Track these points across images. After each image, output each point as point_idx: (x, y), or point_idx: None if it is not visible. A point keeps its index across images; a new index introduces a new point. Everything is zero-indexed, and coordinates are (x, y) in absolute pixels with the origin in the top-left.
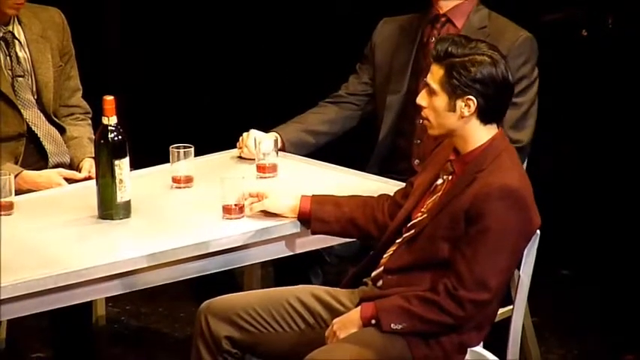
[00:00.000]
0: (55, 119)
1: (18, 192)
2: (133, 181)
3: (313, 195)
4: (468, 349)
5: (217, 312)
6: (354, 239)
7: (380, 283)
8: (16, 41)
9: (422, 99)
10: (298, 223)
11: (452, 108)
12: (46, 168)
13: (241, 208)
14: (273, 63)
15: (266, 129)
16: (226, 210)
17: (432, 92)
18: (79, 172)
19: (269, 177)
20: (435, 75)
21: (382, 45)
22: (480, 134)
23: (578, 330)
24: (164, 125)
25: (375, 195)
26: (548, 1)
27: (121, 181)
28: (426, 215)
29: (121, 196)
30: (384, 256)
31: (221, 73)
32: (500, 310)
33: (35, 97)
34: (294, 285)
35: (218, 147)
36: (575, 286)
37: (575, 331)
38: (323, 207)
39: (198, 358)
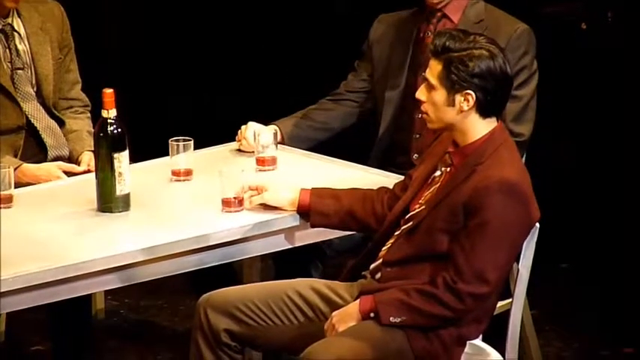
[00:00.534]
0: (55, 112)
1: (17, 185)
2: (132, 174)
3: (312, 188)
4: (467, 342)
5: (216, 305)
6: (353, 232)
7: (378, 275)
8: (16, 34)
9: (421, 94)
10: (297, 216)
11: (451, 103)
12: (46, 161)
13: (241, 201)
14: (272, 56)
15: (265, 123)
16: (226, 203)
17: (430, 87)
18: (79, 165)
19: (268, 170)
20: (433, 70)
21: (379, 41)
22: (479, 127)
23: (577, 323)
24: (163, 118)
25: (375, 188)
26: None
27: (120, 174)
28: (424, 207)
29: (120, 189)
30: (383, 248)
31: (221, 66)
32: (500, 303)
33: (35, 89)
34: (294, 278)
35: (217, 140)
36: (575, 280)
37: (574, 324)
38: (322, 200)
39: (198, 351)
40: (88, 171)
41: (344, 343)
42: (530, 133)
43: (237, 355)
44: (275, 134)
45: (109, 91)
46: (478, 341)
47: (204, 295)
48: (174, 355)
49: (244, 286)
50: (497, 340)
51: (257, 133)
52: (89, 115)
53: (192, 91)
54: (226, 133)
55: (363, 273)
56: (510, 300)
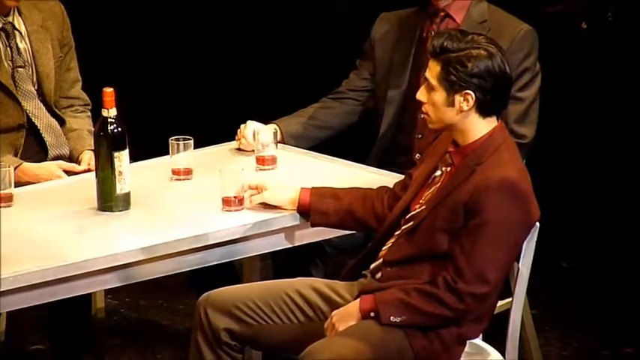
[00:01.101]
0: (56, 110)
1: (17, 184)
2: (132, 173)
3: (312, 187)
4: (468, 342)
5: (216, 304)
6: (353, 231)
7: (379, 275)
8: (17, 32)
9: (421, 95)
10: (297, 215)
11: (450, 103)
12: (46, 160)
13: (241, 201)
14: (272, 55)
15: (265, 122)
16: (226, 202)
17: (430, 88)
18: (79, 164)
19: (268, 169)
20: (432, 71)
21: (381, 40)
22: (479, 127)
23: (578, 323)
24: (164, 117)
25: (375, 187)
26: None
27: (120, 173)
28: (424, 207)
29: (120, 188)
30: (383, 248)
31: (221, 65)
32: (500, 303)
33: (35, 88)
34: (293, 277)
35: (218, 139)
36: (575, 279)
37: (575, 323)
38: (322, 199)
39: (198, 350)
40: (89, 170)
41: (344, 342)
42: (533, 135)
43: (237, 355)
44: (275, 133)
45: (109, 90)
46: (478, 341)
47: (204, 295)
48: (174, 354)
49: (244, 285)
50: (498, 340)
51: (256, 132)
52: (89, 114)
53: (193, 90)
54: (226, 132)
55: (363, 272)
56: (510, 299)
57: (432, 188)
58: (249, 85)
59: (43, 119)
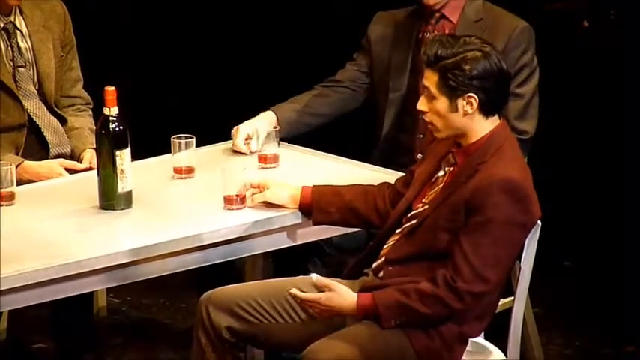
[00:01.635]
0: (57, 110)
1: (19, 182)
2: (134, 172)
3: (314, 185)
4: (469, 340)
5: (218, 303)
6: (355, 229)
7: (381, 273)
8: (18, 32)
9: (422, 105)
10: (299, 213)
11: (454, 109)
12: (47, 159)
13: (242, 199)
14: (274, 54)
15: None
16: (227, 201)
17: (431, 97)
18: (80, 162)
19: (270, 168)
20: (430, 80)
21: (378, 41)
22: (483, 127)
23: (579, 321)
24: (165, 116)
25: (376, 184)
26: None
27: (122, 171)
28: (427, 207)
29: (122, 187)
30: (384, 246)
31: (223, 64)
32: (502, 301)
33: (37, 87)
34: (293, 276)
35: (220, 138)
36: (577, 278)
37: (576, 322)
38: (324, 197)
39: (200, 348)
40: (90, 168)
41: (345, 342)
42: (535, 131)
43: (239, 353)
44: (277, 132)
45: (110, 89)
46: (480, 339)
47: (206, 293)
48: (176, 352)
49: (246, 283)
50: (499, 338)
51: (257, 133)
52: (91, 112)
53: (195, 89)
54: (228, 131)
55: (365, 270)
56: (512, 298)
57: (435, 188)
58: (250, 83)
59: (44, 118)
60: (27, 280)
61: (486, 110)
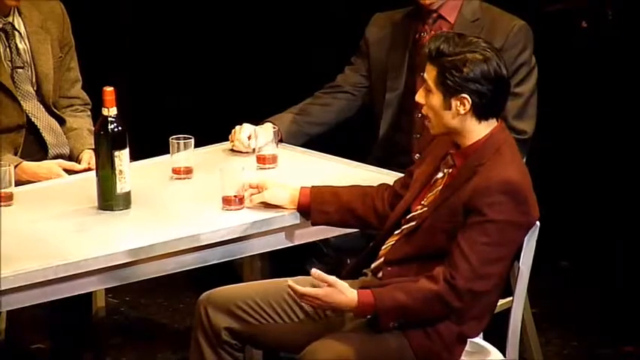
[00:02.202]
0: (55, 110)
1: (18, 183)
2: (132, 172)
3: (312, 186)
4: (468, 340)
5: (217, 303)
6: (353, 230)
7: (380, 274)
8: (16, 32)
9: (420, 97)
10: (298, 214)
11: (447, 106)
12: (46, 159)
13: (241, 200)
14: (273, 55)
15: (262, 121)
16: (226, 201)
17: (428, 90)
18: (79, 163)
19: (269, 168)
20: (429, 74)
21: (376, 43)
22: (478, 130)
23: (578, 321)
24: (164, 116)
25: (375, 185)
26: None
27: (120, 172)
28: (426, 208)
29: (120, 187)
30: (383, 247)
31: (221, 65)
32: (500, 302)
33: (35, 88)
34: (291, 277)
35: (218, 138)
36: (575, 278)
37: (575, 322)
38: (322, 198)
39: (198, 349)
40: (89, 169)
41: (344, 342)
42: (533, 130)
43: (237, 354)
44: (275, 132)
45: (109, 89)
46: (479, 339)
47: (205, 293)
48: (175, 353)
49: (245, 284)
50: (498, 338)
51: (256, 133)
52: (89, 113)
53: (193, 90)
54: (227, 132)
55: (364, 271)
56: (511, 298)
57: (434, 190)
58: (249, 84)
59: (42, 119)
60: (25, 280)
61: (480, 113)
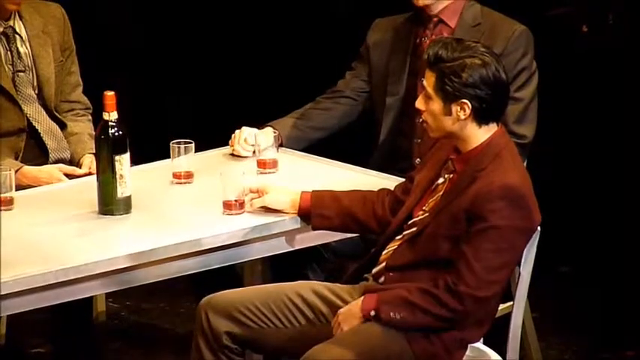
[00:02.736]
0: (56, 114)
1: (18, 187)
2: (133, 177)
3: (313, 191)
4: (469, 345)
5: (217, 308)
6: (354, 235)
7: (381, 279)
8: (17, 36)
9: (420, 103)
10: (298, 218)
11: (448, 112)
12: (47, 164)
13: (242, 204)
14: (273, 59)
15: (263, 125)
16: (227, 206)
17: (428, 97)
18: (80, 167)
19: (269, 173)
20: (428, 80)
21: (377, 47)
22: (478, 134)
23: (578, 326)
24: (165, 121)
25: (376, 190)
26: None
27: (121, 176)
28: (427, 214)
29: (121, 192)
30: (385, 252)
31: (222, 69)
32: (501, 307)
33: (36, 92)
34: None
35: (218, 143)
36: (575, 283)
37: (575, 327)
38: (323, 202)
39: (199, 353)
40: (89, 173)
41: (344, 345)
42: (533, 135)
43: (238, 358)
44: (276, 137)
45: (110, 94)
46: (479, 344)
47: (205, 298)
48: (176, 357)
49: (245, 288)
50: (499, 343)
51: (256, 137)
52: (90, 117)
53: (193, 94)
54: (227, 136)
55: (365, 276)
56: (511, 303)
57: (435, 196)
58: (249, 89)
59: (43, 123)
60: (26, 285)
61: (480, 118)
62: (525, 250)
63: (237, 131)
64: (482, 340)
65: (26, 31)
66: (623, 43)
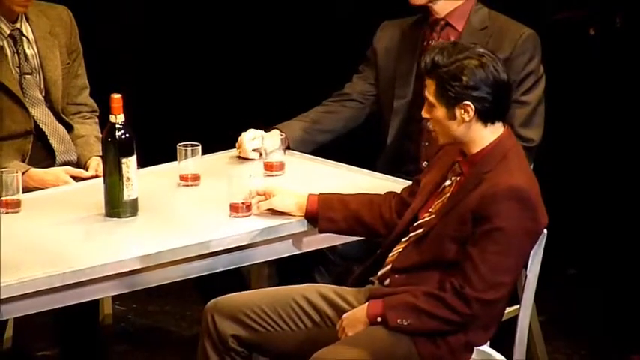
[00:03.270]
0: (63, 117)
1: (25, 190)
2: (140, 180)
3: (320, 193)
4: (475, 348)
5: (224, 310)
6: (360, 237)
7: (387, 282)
8: (24, 39)
9: (425, 112)
10: (305, 221)
11: (452, 116)
12: (54, 166)
13: (248, 207)
14: (280, 61)
15: (270, 127)
16: (233, 208)
17: (431, 105)
18: (86, 170)
19: (276, 175)
20: (429, 88)
21: (384, 51)
22: (484, 135)
23: (585, 329)
24: (171, 123)
25: (382, 193)
26: (557, 0)
27: (128, 179)
28: (433, 216)
29: (128, 195)
30: (390, 255)
31: (228, 71)
32: (507, 309)
33: (43, 94)
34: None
35: (225, 145)
36: (582, 286)
37: (582, 330)
38: (330, 205)
39: (205, 356)
40: (96, 176)
41: (351, 348)
42: (540, 138)
43: None
44: (282, 140)
45: (117, 97)
46: (486, 347)
47: (212, 301)
48: None
49: (252, 291)
50: (505, 346)
51: (262, 139)
52: (97, 120)
53: (201, 97)
54: (234, 139)
55: (370, 279)
56: (518, 306)
57: (442, 198)
58: (257, 92)
59: (50, 126)
60: (32, 287)
61: (484, 118)
62: (532, 252)
63: (243, 134)
64: (488, 343)
65: (33, 34)
66: (630, 46)
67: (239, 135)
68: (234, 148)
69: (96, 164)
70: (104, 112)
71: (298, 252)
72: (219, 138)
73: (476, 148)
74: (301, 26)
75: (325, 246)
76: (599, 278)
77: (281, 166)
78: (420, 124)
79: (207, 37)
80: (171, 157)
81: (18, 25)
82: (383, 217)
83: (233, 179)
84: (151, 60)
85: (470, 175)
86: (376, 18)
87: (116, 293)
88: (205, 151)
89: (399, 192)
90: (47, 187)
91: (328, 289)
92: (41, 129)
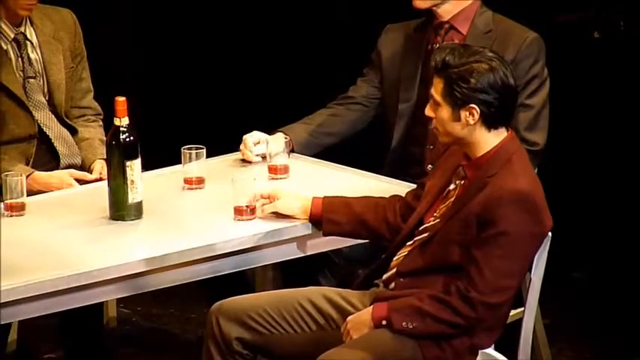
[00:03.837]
0: (67, 120)
1: (29, 193)
2: (144, 182)
3: (324, 196)
4: (479, 351)
5: (228, 313)
6: (365, 240)
7: (392, 285)
8: (28, 42)
9: (429, 111)
10: (310, 224)
11: (456, 118)
12: (58, 169)
13: (253, 210)
14: (283, 66)
15: (274, 130)
16: (238, 211)
17: (436, 104)
18: (91, 173)
19: (281, 178)
20: (436, 87)
21: (388, 54)
22: (488, 139)
23: (590, 333)
24: (176, 126)
25: (387, 196)
26: (561, 3)
27: (132, 182)
28: (438, 220)
29: (132, 197)
30: (395, 258)
31: (233, 75)
32: (512, 312)
33: (46, 98)
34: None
35: (230, 148)
36: (587, 289)
37: (587, 333)
38: (334, 208)
39: (210, 359)
40: (100, 179)
41: (355, 352)
42: (545, 142)
43: None
44: (287, 143)
45: (121, 100)
46: (490, 350)
47: (216, 304)
48: None
49: (256, 294)
50: (510, 349)
51: (267, 142)
52: (101, 123)
53: (205, 100)
54: (238, 142)
55: (375, 282)
56: (523, 309)
57: (447, 202)
58: (261, 94)
59: (54, 129)
60: (37, 290)
61: (489, 123)
62: (536, 255)
63: (245, 136)
64: (493, 346)
65: (37, 37)
66: (634, 48)
67: (243, 138)
68: (239, 151)
69: (100, 167)
70: (109, 115)
71: (303, 255)
72: (223, 141)
73: (479, 152)
74: (305, 29)
75: (330, 249)
76: (604, 281)
77: (285, 169)
78: (424, 128)
79: (211, 40)
80: (176, 160)
81: (22, 29)
82: (387, 221)
83: (237, 182)
84: (155, 63)
85: (474, 179)
86: (380, 21)
87: (121, 296)
88: (210, 154)
89: (403, 195)
90: (51, 190)
91: (333, 292)
92: (45, 132)
